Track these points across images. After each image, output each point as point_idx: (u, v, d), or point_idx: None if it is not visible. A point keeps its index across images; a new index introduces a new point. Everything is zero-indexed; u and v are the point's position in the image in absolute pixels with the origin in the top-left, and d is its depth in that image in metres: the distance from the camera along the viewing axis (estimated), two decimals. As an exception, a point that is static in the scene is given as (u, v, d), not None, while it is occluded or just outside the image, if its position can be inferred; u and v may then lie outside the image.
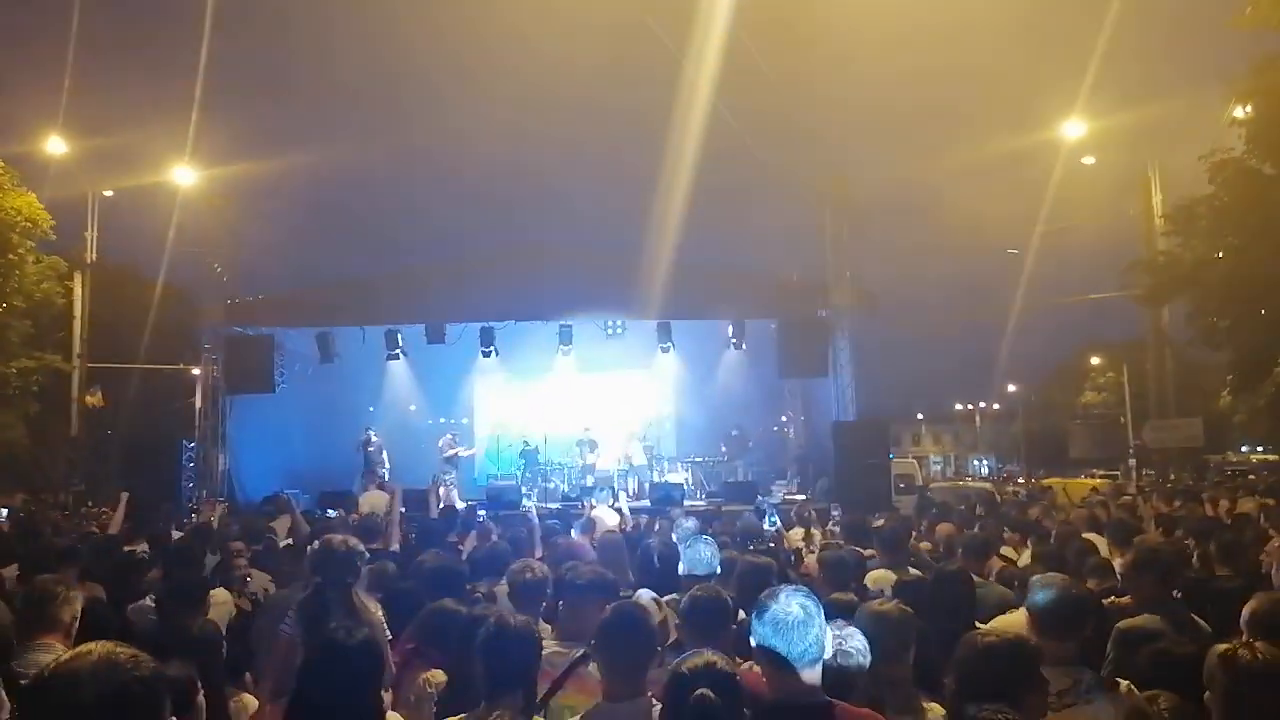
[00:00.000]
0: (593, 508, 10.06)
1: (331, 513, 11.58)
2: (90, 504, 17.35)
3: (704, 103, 16.47)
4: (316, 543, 4.35)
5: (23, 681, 3.30)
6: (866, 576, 6.02)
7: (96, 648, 1.75)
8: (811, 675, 2.73)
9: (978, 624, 4.16)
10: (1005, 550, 7.00)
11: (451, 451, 19.11)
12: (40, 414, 20.89)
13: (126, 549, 7.22)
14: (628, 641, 3.02)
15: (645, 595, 4.79)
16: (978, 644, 2.92)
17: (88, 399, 21.88)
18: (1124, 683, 3.32)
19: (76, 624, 3.87)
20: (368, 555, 4.55)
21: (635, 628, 3.08)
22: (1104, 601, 4.61)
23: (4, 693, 3.11)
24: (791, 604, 2.72)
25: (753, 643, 2.80)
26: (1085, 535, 7.19)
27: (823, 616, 2.80)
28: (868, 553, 6.63)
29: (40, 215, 20.04)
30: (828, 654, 2.79)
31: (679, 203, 18.12)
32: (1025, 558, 6.81)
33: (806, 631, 2.69)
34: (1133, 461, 30.29)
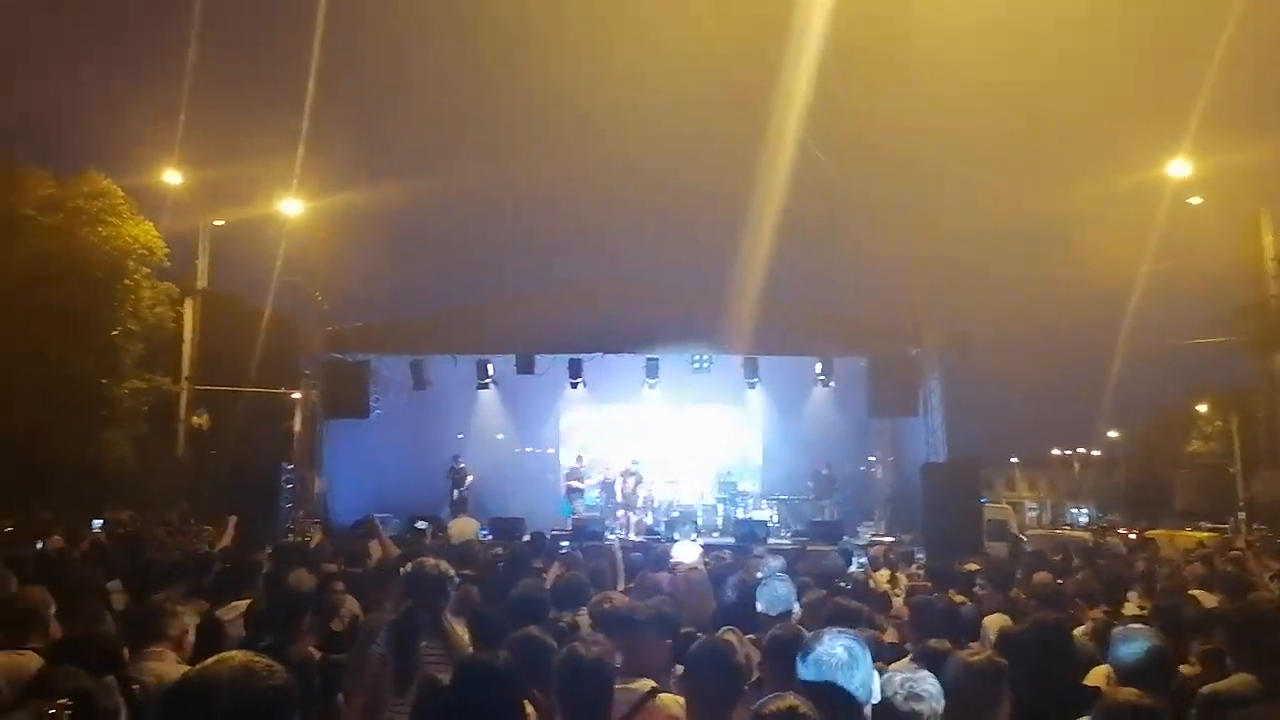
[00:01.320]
0: (673, 543, 10.03)
1: (421, 524, 11.76)
2: (193, 522, 17.99)
3: (794, 137, 16.47)
4: (409, 565, 4.46)
5: (135, 686, 3.45)
6: (984, 620, 5.88)
7: (236, 656, 1.84)
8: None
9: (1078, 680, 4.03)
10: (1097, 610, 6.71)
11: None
12: (148, 434, 21.80)
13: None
14: (716, 675, 3.01)
15: (730, 632, 4.77)
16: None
17: (194, 420, 22.78)
18: None
19: (190, 638, 4.01)
20: (458, 580, 4.63)
21: (723, 662, 3.07)
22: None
23: (120, 698, 3.25)
24: (837, 646, 2.70)
25: (798, 684, 2.75)
26: (1194, 591, 6.90)
27: (869, 660, 2.76)
28: (957, 598, 6.47)
29: (156, 243, 21.06)
30: (876, 698, 2.73)
31: (768, 238, 18.13)
32: (1129, 611, 6.55)
33: (852, 674, 2.66)
34: (1242, 515, 28.80)
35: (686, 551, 10.05)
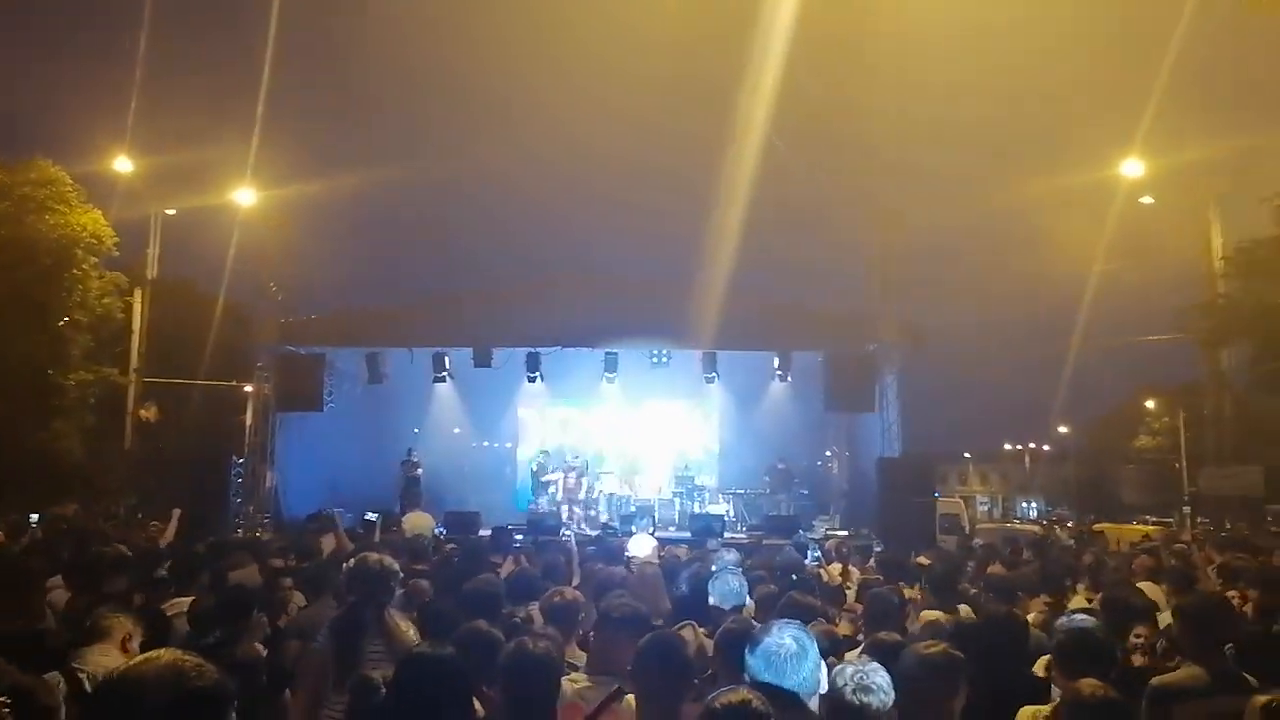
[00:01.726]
0: (629, 536, 10.01)
1: (371, 515, 11.62)
2: (141, 516, 17.65)
3: (757, 133, 16.49)
4: (351, 560, 4.38)
5: (81, 674, 3.35)
6: (917, 617, 5.92)
7: (163, 654, 1.77)
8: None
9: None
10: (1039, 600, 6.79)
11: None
12: (96, 426, 21.36)
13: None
14: (663, 671, 2.99)
15: (687, 627, 4.75)
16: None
17: (142, 413, 22.34)
18: None
19: (135, 642, 3.88)
20: (402, 575, 4.56)
21: (670, 657, 3.04)
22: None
23: (61, 696, 3.14)
24: (784, 637, 2.69)
25: (746, 678, 2.74)
26: (1141, 584, 7.00)
27: (817, 650, 2.75)
28: (908, 592, 6.52)
29: (105, 232, 20.59)
30: (823, 688, 2.72)
31: (729, 233, 18.16)
32: (1075, 603, 6.63)
33: (800, 665, 2.65)
34: (1187, 509, 29.46)
35: (641, 545, 10.05)
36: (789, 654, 2.65)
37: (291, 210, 21.29)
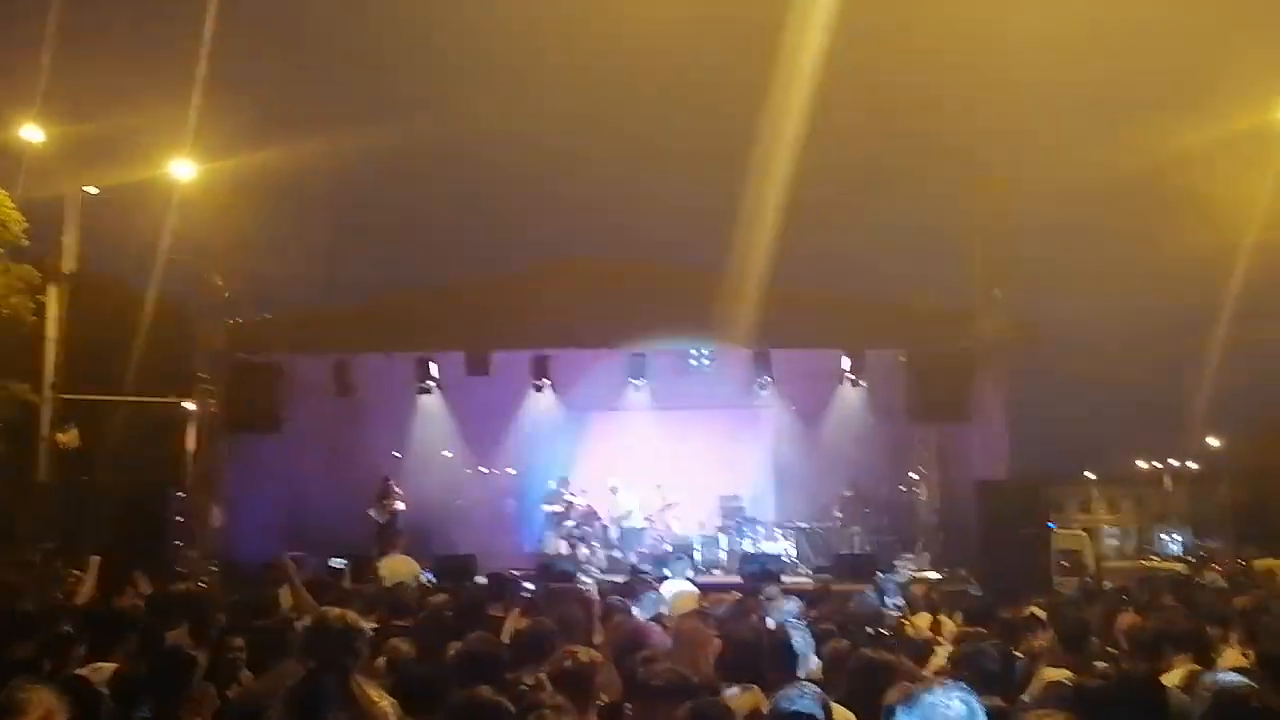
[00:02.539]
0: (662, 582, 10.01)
1: (337, 562, 11.70)
2: (61, 564, 17.86)
3: (811, 81, 16.34)
4: (307, 619, 4.40)
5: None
6: (1037, 674, 5.87)
7: None
8: None
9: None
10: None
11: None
12: (3, 455, 21.62)
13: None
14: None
15: (732, 694, 4.72)
16: None
17: (60, 437, 22.57)
18: None
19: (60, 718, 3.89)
20: (369, 633, 4.57)
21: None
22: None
23: None
24: (952, 700, 2.67)
25: None
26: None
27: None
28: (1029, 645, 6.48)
29: (10, 216, 20.81)
30: None
31: (781, 204, 18.07)
32: (1227, 659, 6.53)
33: None
34: (1375, 540, 29.04)
35: (679, 593, 10.03)
36: (959, 717, 2.64)
37: (240, 187, 21.44)
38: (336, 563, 11.75)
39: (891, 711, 2.74)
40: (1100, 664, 6.00)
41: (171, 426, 22.35)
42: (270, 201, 20.71)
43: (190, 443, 20.25)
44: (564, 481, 20.97)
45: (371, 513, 19.21)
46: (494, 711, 3.74)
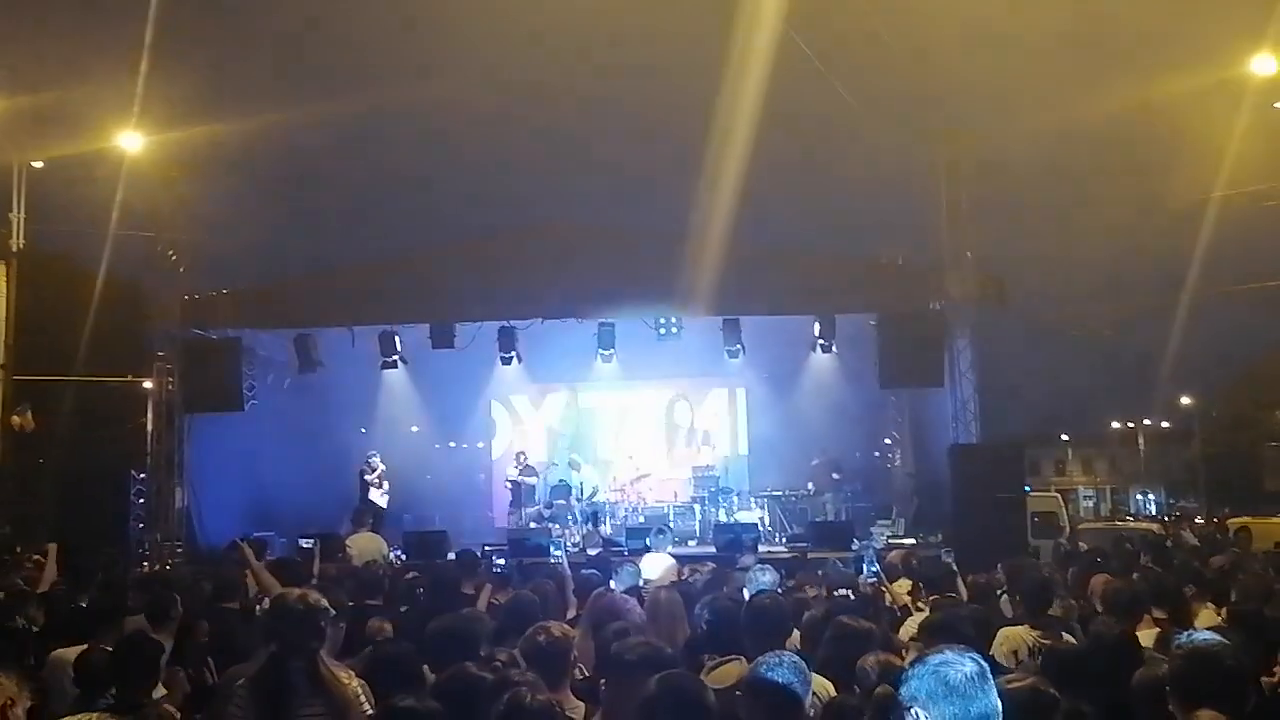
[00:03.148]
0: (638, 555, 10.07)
1: (306, 542, 11.66)
2: (19, 549, 17.72)
3: (774, 33, 16.25)
4: (268, 601, 4.41)
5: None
6: (997, 635, 5.96)
7: None
8: None
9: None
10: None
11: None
12: (-46, 439, 21.36)
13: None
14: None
15: (713, 665, 4.76)
16: None
17: (14, 419, 22.33)
18: None
19: (19, 709, 3.89)
20: (333, 613, 4.57)
21: (688, 708, 3.03)
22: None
23: None
24: (965, 660, 2.67)
25: (912, 710, 2.68)
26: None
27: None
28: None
29: (-46, 193, 20.52)
30: None
31: (748, 167, 17.99)
32: (1204, 619, 6.65)
33: (988, 690, 2.63)
34: (1349, 495, 29.54)
35: (656, 566, 10.10)
36: (973, 674, 2.63)
37: (194, 158, 21.13)
38: (305, 542, 11.70)
39: (898, 678, 2.73)
40: (1061, 625, 6.10)
41: (128, 406, 22.10)
42: (225, 173, 20.43)
43: (149, 423, 20.05)
44: (522, 455, 21.04)
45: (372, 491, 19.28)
46: (474, 684, 3.75)
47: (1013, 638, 5.99)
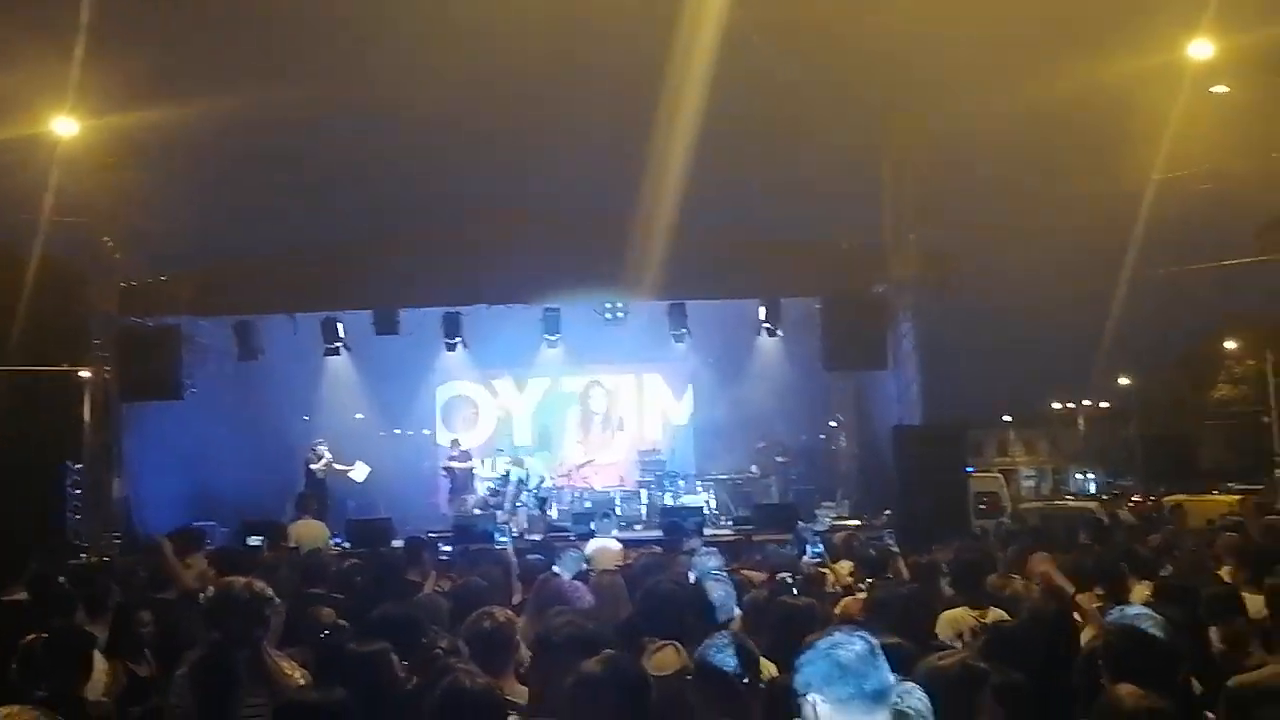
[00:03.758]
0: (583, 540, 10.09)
1: (255, 540, 11.58)
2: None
3: (718, 16, 16.28)
4: (211, 589, 4.38)
5: None
6: (939, 618, 6.05)
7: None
8: None
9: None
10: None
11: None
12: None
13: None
14: (615, 710, 2.97)
15: (653, 647, 4.78)
16: None
17: (-54, 411, 21.95)
18: None
19: None
20: (277, 601, 4.55)
21: (625, 689, 3.03)
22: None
23: None
24: (854, 640, 2.71)
25: (808, 697, 2.71)
26: (1225, 567, 7.22)
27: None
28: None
29: (-118, 179, 20.09)
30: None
31: (691, 150, 18.01)
32: (1139, 595, 6.78)
33: (880, 666, 2.67)
34: (1280, 473, 30.21)
35: (602, 550, 10.12)
36: (863, 651, 2.68)
37: (129, 144, 20.80)
38: (254, 540, 11.62)
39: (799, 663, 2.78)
40: (994, 601, 6.20)
41: (64, 396, 21.75)
42: (162, 159, 20.13)
43: (86, 413, 19.75)
44: (455, 442, 20.99)
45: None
46: (379, 666, 3.73)
47: (955, 620, 6.08)
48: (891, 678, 2.72)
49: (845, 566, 9.31)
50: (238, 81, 19.07)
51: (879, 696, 2.67)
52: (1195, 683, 4.24)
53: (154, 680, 5.55)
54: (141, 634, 6.41)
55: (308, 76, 19.01)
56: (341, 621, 6.03)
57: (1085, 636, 5.09)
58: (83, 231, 20.22)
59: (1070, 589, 6.06)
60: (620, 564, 9.28)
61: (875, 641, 2.75)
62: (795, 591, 6.76)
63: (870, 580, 7.79)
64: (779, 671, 4.64)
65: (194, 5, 19.41)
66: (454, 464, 20.58)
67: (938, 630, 5.83)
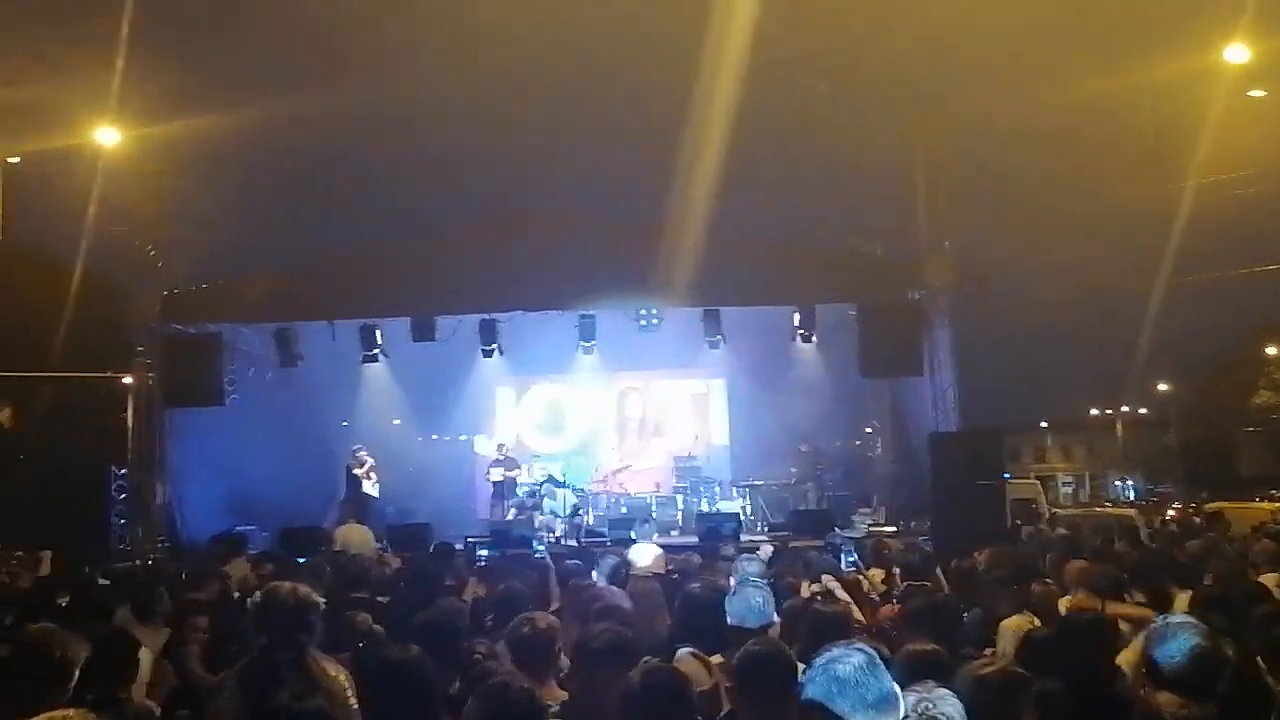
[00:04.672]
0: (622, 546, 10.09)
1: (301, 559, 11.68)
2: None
3: (751, 24, 16.29)
4: (258, 594, 4.42)
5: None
6: (1000, 626, 6.02)
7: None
8: None
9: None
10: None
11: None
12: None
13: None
14: (659, 713, 3.01)
15: (685, 654, 4.80)
16: None
17: (-7, 417, 22.26)
18: None
19: None
20: (323, 606, 4.59)
21: (670, 699, 3.06)
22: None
23: None
24: (852, 653, 2.77)
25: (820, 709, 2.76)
26: (1265, 576, 7.14)
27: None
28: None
29: (-69, 189, 20.37)
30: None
31: (727, 159, 18.02)
32: (1180, 604, 6.73)
33: (880, 675, 2.72)
34: (1322, 479, 29.79)
35: (643, 556, 10.12)
36: (863, 663, 2.72)
37: (171, 153, 21.04)
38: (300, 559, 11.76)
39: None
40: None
41: (109, 402, 22.02)
42: (203, 167, 20.35)
43: (130, 419, 19.98)
44: (503, 447, 21.09)
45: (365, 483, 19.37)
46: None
47: (1017, 627, 6.04)
48: (894, 685, 2.77)
49: (876, 574, 9.29)
50: (276, 91, 19.24)
51: (881, 705, 2.72)
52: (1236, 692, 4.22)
53: (204, 684, 5.62)
54: (193, 638, 6.49)
55: (347, 86, 19.16)
56: (377, 626, 6.09)
57: (1125, 645, 5.08)
58: (125, 240, 20.45)
59: (1098, 605, 6.03)
60: (661, 569, 9.30)
61: (873, 652, 2.81)
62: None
63: (908, 585, 7.77)
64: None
65: (234, 16, 19.60)
66: (499, 471, 20.64)
67: (998, 639, 5.81)
